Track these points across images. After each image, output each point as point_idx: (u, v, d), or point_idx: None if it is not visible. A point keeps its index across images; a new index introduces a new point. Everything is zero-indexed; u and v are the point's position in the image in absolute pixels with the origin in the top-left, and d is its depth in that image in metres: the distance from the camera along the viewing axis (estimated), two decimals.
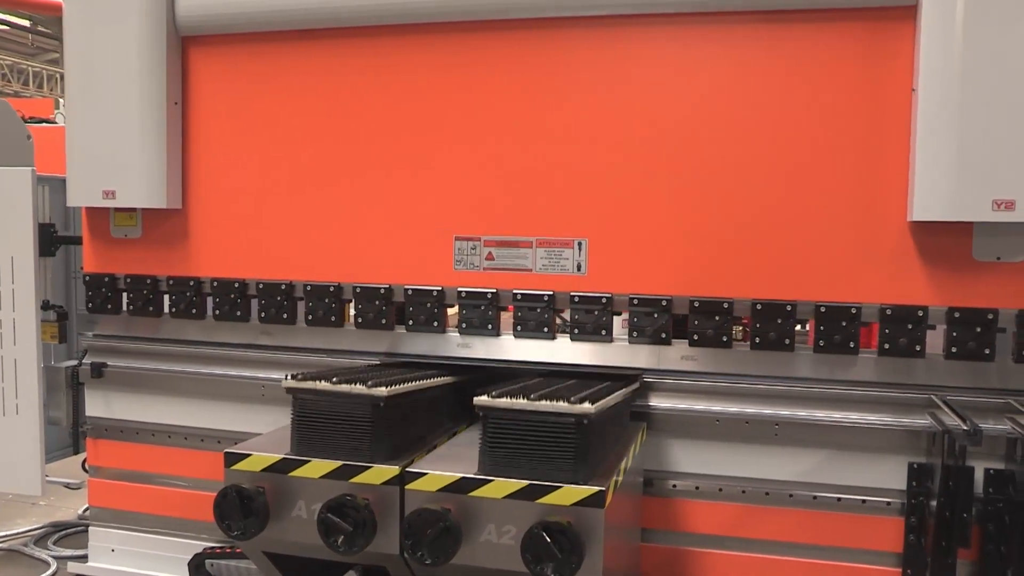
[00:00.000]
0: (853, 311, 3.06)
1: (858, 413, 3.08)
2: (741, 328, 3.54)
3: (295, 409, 2.61)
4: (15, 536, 4.49)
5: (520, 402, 2.34)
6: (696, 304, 3.20)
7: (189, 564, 3.71)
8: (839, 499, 3.11)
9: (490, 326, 3.40)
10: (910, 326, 3.01)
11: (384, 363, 3.41)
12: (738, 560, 3.20)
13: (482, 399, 2.38)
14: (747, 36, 3.15)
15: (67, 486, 5.12)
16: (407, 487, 2.41)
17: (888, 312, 3.03)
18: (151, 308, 3.86)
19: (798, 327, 3.19)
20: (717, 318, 3.18)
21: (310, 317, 3.62)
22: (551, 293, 3.33)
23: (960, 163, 2.83)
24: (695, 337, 3.20)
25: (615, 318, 3.33)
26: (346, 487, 2.45)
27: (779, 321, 3.13)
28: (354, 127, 3.57)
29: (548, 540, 2.21)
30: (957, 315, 2.98)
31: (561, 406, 2.31)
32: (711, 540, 3.23)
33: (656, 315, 3.24)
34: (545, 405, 2.33)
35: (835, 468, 3.11)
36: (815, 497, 3.13)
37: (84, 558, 4.05)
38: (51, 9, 14.81)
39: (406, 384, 2.65)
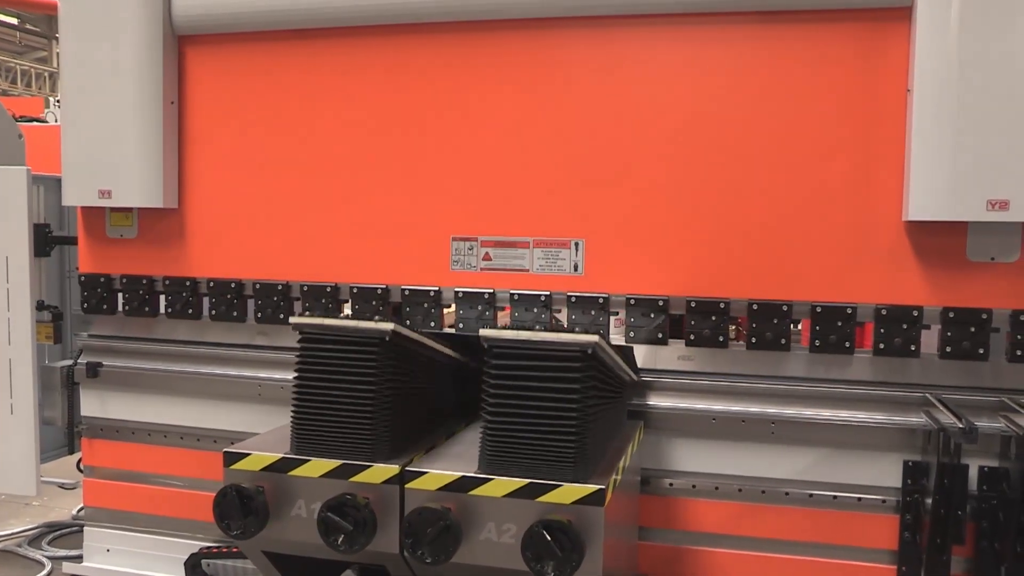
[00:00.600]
0: (849, 311, 3.08)
1: (853, 411, 3.10)
2: (734, 328, 3.56)
3: (301, 346, 2.58)
4: (9, 537, 4.47)
5: (526, 333, 2.34)
6: (692, 304, 3.21)
7: (185, 564, 3.71)
8: (835, 497, 3.13)
9: (487, 326, 3.39)
10: (905, 326, 3.04)
11: None
12: (735, 558, 3.22)
13: (488, 331, 2.38)
14: (743, 37, 3.17)
15: (61, 486, 5.11)
16: (407, 486, 2.42)
17: (883, 312, 3.05)
18: (147, 308, 3.85)
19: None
20: (713, 318, 3.20)
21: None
22: (548, 293, 3.34)
23: (955, 163, 2.85)
24: (692, 337, 3.22)
25: (611, 318, 3.35)
26: (346, 486, 2.46)
27: (775, 321, 3.14)
28: (351, 127, 3.57)
29: (549, 538, 2.22)
30: (952, 315, 3.00)
31: (566, 336, 2.32)
32: (708, 538, 3.25)
33: (653, 315, 3.25)
34: (551, 336, 2.33)
35: (831, 466, 3.13)
36: (811, 495, 3.15)
37: (79, 558, 4.04)
38: (46, 8, 14.74)
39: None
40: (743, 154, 3.18)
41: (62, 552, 4.20)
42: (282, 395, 3.62)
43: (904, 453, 3.05)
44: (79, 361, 3.95)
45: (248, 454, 2.56)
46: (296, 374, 2.60)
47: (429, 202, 3.49)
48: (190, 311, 3.79)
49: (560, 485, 2.29)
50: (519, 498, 2.31)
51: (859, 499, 3.11)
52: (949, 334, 3.01)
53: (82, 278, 3.94)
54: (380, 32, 3.52)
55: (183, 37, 3.73)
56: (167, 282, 3.81)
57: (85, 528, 4.03)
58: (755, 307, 3.16)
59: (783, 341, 3.14)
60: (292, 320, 2.60)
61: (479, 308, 3.41)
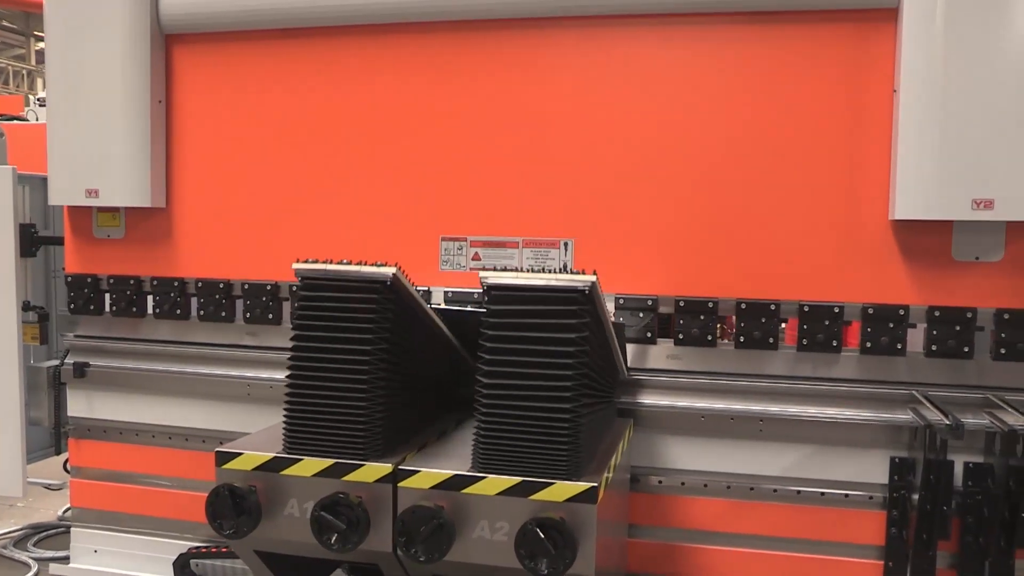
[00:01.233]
0: (836, 310, 3.11)
1: (841, 409, 3.14)
2: (719, 326, 3.58)
3: (300, 292, 2.56)
4: None
5: (524, 275, 2.34)
6: (681, 304, 3.24)
7: (174, 564, 3.70)
8: (823, 494, 3.16)
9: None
10: (891, 325, 3.07)
11: None
12: (723, 555, 3.25)
13: (487, 274, 2.37)
14: (731, 37, 3.19)
15: (47, 487, 5.07)
16: (400, 484, 2.41)
17: (870, 311, 3.08)
18: (134, 309, 3.84)
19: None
20: (702, 317, 3.22)
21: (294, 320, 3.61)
22: None
23: (941, 163, 2.89)
24: (680, 336, 3.24)
25: None
26: (339, 485, 2.45)
27: (763, 320, 3.17)
28: (339, 126, 3.57)
29: (542, 536, 2.22)
30: (937, 314, 3.04)
31: (563, 277, 2.32)
32: (697, 535, 3.27)
33: (642, 314, 3.27)
34: (548, 276, 2.33)
35: (819, 463, 3.16)
36: (799, 492, 3.18)
37: (66, 559, 4.02)
38: (27, 5, 14.60)
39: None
40: (731, 154, 3.21)
41: (48, 553, 4.18)
42: (271, 395, 3.62)
43: (891, 450, 3.09)
44: (66, 361, 3.93)
45: (240, 453, 2.56)
46: (295, 323, 2.56)
47: (418, 202, 3.49)
48: (178, 311, 3.77)
49: (553, 483, 2.30)
50: (512, 496, 2.32)
51: (846, 495, 3.14)
52: (935, 333, 3.05)
53: (69, 279, 3.92)
54: (367, 31, 3.52)
55: (170, 36, 3.72)
56: (155, 282, 3.79)
57: (72, 529, 4.01)
58: (743, 306, 3.18)
59: (771, 340, 3.17)
60: (294, 265, 2.55)
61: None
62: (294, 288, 3.61)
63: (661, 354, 3.29)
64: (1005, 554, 2.95)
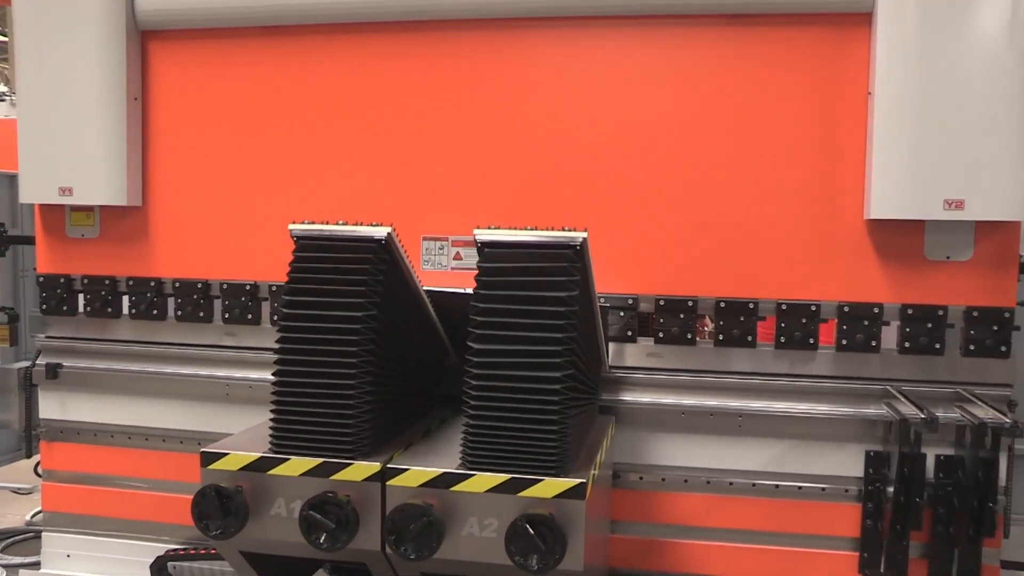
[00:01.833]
0: (813, 308, 3.17)
1: (817, 404, 3.20)
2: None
3: (295, 253, 2.56)
4: None
5: (517, 231, 2.39)
6: (661, 302, 3.28)
7: (151, 567, 3.66)
8: (800, 488, 3.22)
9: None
10: (866, 322, 3.14)
11: None
12: (704, 549, 3.30)
13: (481, 231, 2.40)
14: (709, 39, 3.24)
15: (16, 491, 4.98)
16: (388, 483, 2.42)
17: (846, 309, 3.15)
18: (109, 310, 3.78)
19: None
20: (682, 316, 3.27)
21: (275, 317, 3.60)
22: None
23: (914, 164, 2.96)
24: (660, 335, 3.28)
25: None
26: (327, 484, 2.45)
27: (742, 319, 3.22)
28: (319, 125, 3.56)
29: (532, 532, 2.25)
30: (910, 312, 3.11)
31: (555, 233, 2.36)
32: (678, 530, 3.32)
33: (622, 313, 3.30)
34: (541, 234, 2.37)
35: (796, 458, 3.22)
36: (777, 486, 3.24)
37: (37, 565, 3.96)
38: None
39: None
40: (709, 154, 3.26)
41: (18, 559, 4.11)
42: (250, 395, 3.60)
43: (866, 444, 3.16)
44: (37, 362, 3.86)
45: (226, 454, 2.54)
46: (288, 286, 2.54)
47: (399, 201, 3.49)
48: (155, 312, 3.73)
49: (542, 480, 2.32)
50: (501, 493, 2.34)
51: (823, 489, 3.21)
52: (908, 330, 3.12)
53: (41, 279, 3.85)
54: (347, 30, 3.51)
55: (147, 32, 3.67)
56: (131, 283, 3.75)
57: (44, 533, 3.94)
58: (723, 305, 3.23)
59: (749, 338, 3.23)
60: (290, 226, 2.57)
61: None
62: (273, 288, 3.59)
63: (641, 352, 3.33)
64: (973, 543, 3.03)
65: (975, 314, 3.08)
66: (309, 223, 2.55)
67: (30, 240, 3.90)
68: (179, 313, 3.71)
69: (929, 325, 3.11)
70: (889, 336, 3.19)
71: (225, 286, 3.64)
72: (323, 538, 2.40)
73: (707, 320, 3.57)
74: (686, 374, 3.29)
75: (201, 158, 3.67)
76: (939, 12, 2.91)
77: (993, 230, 3.06)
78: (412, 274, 2.72)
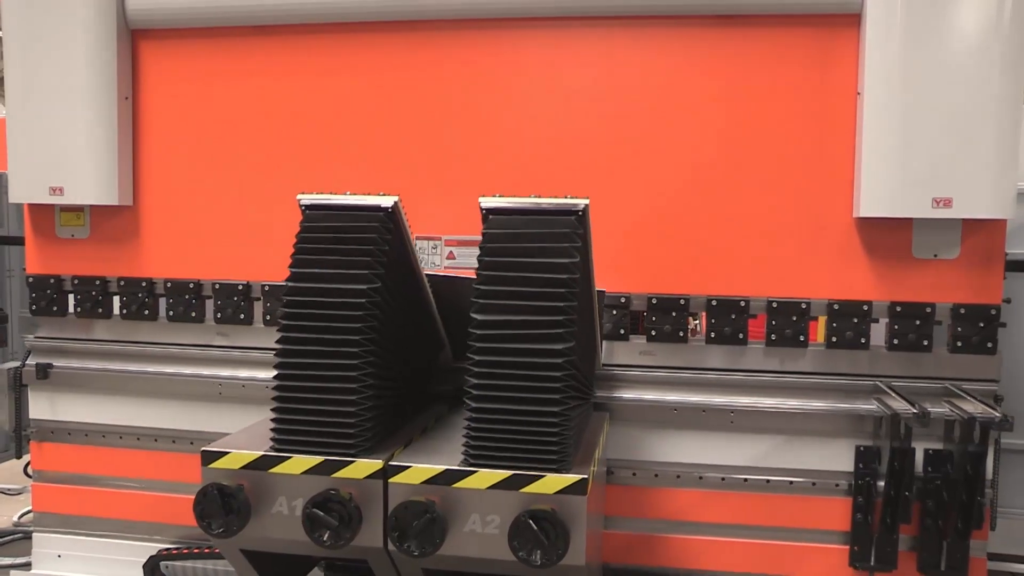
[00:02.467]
0: (803, 306, 3.22)
1: (808, 400, 3.25)
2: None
3: (303, 223, 2.58)
4: None
5: (521, 198, 2.43)
6: (654, 301, 3.31)
7: (144, 566, 3.66)
8: (791, 482, 3.27)
9: None
10: (855, 320, 3.19)
11: None
12: (696, 543, 3.34)
13: (485, 199, 2.44)
14: (699, 39, 3.28)
15: (5, 492, 4.94)
16: (391, 480, 2.43)
17: (835, 307, 3.20)
18: (100, 310, 3.77)
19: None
20: (674, 314, 3.30)
21: (268, 317, 3.60)
22: None
23: (903, 163, 3.01)
24: (652, 333, 3.32)
25: None
26: (328, 482, 2.46)
27: (733, 316, 3.27)
28: (310, 123, 3.56)
29: (535, 528, 2.27)
30: (899, 309, 3.17)
31: (558, 200, 2.42)
32: (670, 525, 3.36)
33: (615, 311, 3.33)
34: (544, 201, 2.42)
35: (787, 453, 3.27)
36: (768, 481, 3.28)
37: (27, 566, 3.93)
38: None
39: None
40: (699, 153, 3.30)
41: (7, 560, 4.08)
42: (243, 394, 3.60)
43: (856, 439, 3.21)
44: (27, 362, 3.84)
45: (227, 452, 2.54)
46: (294, 256, 2.57)
47: None
48: (146, 312, 3.72)
49: (544, 475, 2.34)
50: (503, 489, 2.36)
51: (814, 484, 3.26)
52: (896, 327, 3.18)
53: (30, 279, 3.83)
54: (336, 29, 3.52)
55: (137, 31, 3.66)
56: (122, 283, 3.73)
57: (35, 534, 3.91)
58: (714, 303, 3.27)
59: (741, 336, 3.27)
60: (299, 196, 2.61)
61: None
62: (266, 288, 3.59)
63: (634, 350, 3.36)
64: (962, 536, 3.09)
65: (962, 311, 3.14)
66: (317, 194, 2.58)
67: (19, 240, 3.88)
68: (171, 313, 3.70)
69: (917, 322, 3.16)
70: (878, 333, 3.24)
71: (217, 286, 3.64)
72: (326, 536, 2.40)
73: (689, 319, 3.60)
74: (678, 371, 3.32)
75: (191, 157, 3.67)
76: (927, 13, 2.97)
77: (980, 228, 3.12)
78: (414, 249, 2.75)
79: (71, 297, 3.82)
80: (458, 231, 3.47)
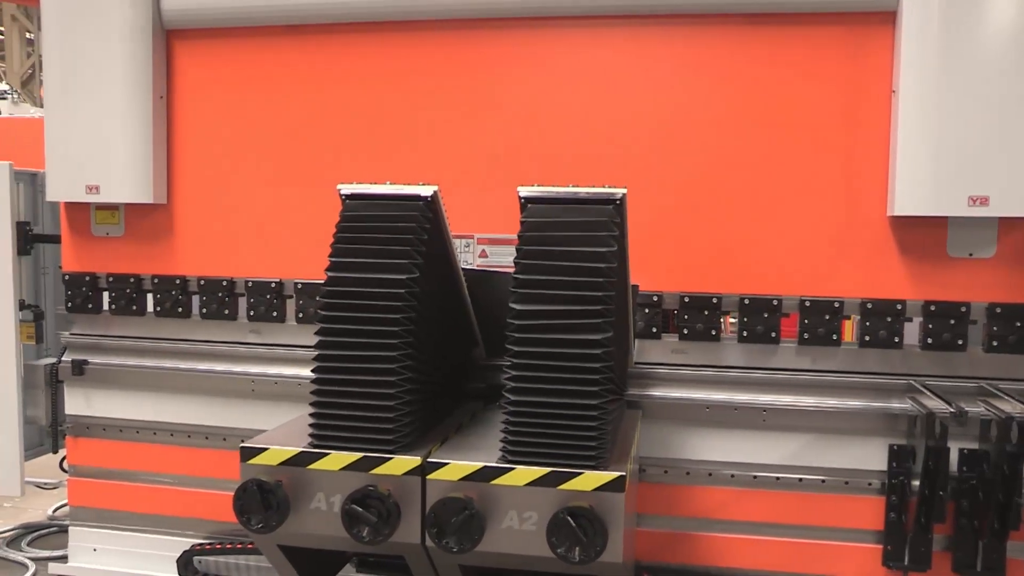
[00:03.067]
0: (836, 305, 3.21)
1: (841, 399, 3.24)
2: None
3: (343, 213, 2.61)
4: None
5: (559, 187, 2.46)
6: (686, 299, 3.31)
7: (178, 561, 3.70)
8: (823, 481, 3.26)
9: None
10: (889, 319, 3.18)
11: None
12: (728, 542, 3.34)
13: (524, 188, 2.48)
14: (734, 38, 3.28)
15: (41, 486, 5.01)
16: (429, 477, 2.45)
17: (869, 306, 3.19)
18: (134, 307, 3.81)
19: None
20: (706, 313, 3.30)
21: (300, 315, 3.63)
22: None
23: (938, 161, 3.00)
24: (685, 331, 3.32)
25: None
26: (366, 479, 2.48)
27: (765, 315, 3.26)
28: (344, 123, 3.59)
29: (573, 524, 2.28)
30: (933, 308, 3.15)
31: (596, 189, 2.45)
32: (702, 523, 3.36)
33: (647, 310, 3.34)
34: (583, 190, 2.45)
35: (819, 451, 3.26)
36: (800, 480, 3.28)
37: (63, 559, 3.98)
38: None
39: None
40: (733, 152, 3.29)
41: (45, 553, 4.13)
42: (276, 391, 3.64)
43: (889, 437, 3.20)
44: (63, 359, 3.89)
45: (266, 448, 2.57)
46: (334, 245, 2.60)
47: None
48: (179, 310, 3.76)
49: (581, 473, 2.35)
50: (541, 486, 2.37)
51: (846, 482, 3.24)
52: (930, 326, 3.16)
53: (66, 277, 3.88)
54: (370, 28, 3.55)
55: (172, 31, 3.70)
56: (156, 281, 3.77)
57: (70, 528, 3.97)
58: (746, 302, 3.27)
59: (773, 334, 3.26)
60: (339, 185, 2.65)
61: None
62: (299, 285, 3.62)
63: (666, 349, 3.37)
64: (998, 536, 3.07)
65: (998, 310, 3.12)
66: (357, 183, 2.61)
67: (55, 239, 3.93)
68: (204, 311, 3.74)
69: (952, 321, 3.14)
70: (911, 333, 3.22)
71: (250, 284, 3.67)
72: (365, 532, 2.42)
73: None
74: (711, 369, 3.32)
75: (225, 156, 3.71)
76: (964, 10, 2.95)
77: (1017, 226, 3.10)
78: (451, 239, 2.77)
79: (106, 295, 3.87)
80: (491, 230, 3.48)
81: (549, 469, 2.37)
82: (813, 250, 3.24)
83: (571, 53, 3.40)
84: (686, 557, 3.37)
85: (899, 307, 3.18)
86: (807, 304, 3.24)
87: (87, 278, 3.85)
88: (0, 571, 4.07)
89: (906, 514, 3.16)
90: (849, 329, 3.55)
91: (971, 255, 3.14)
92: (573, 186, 2.47)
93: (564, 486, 2.35)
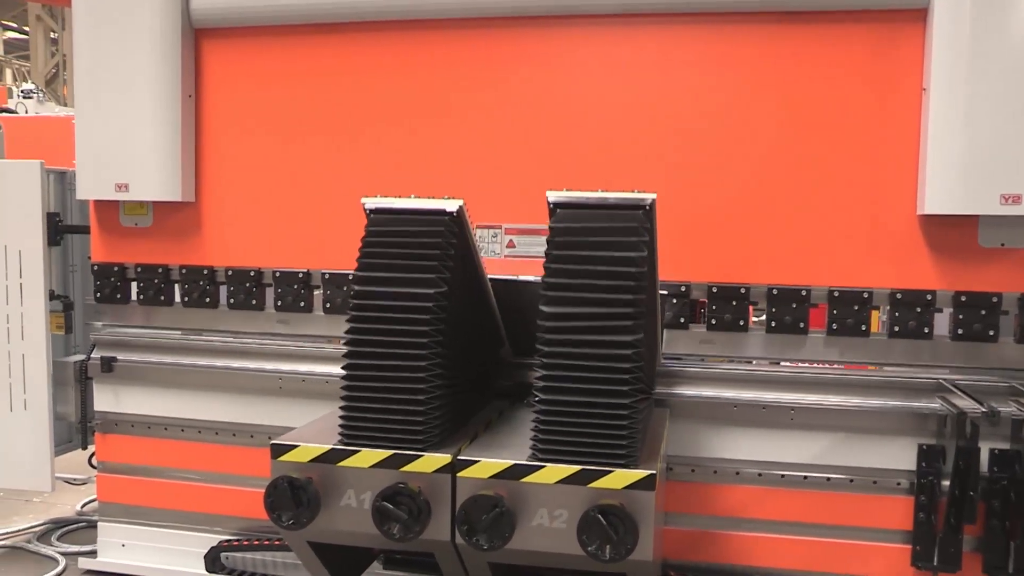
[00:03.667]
0: (865, 295, 3.19)
1: (870, 398, 3.22)
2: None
3: (368, 227, 2.61)
4: (16, 533, 4.43)
5: (588, 192, 2.45)
6: (714, 290, 3.30)
7: (205, 557, 3.73)
8: (851, 480, 3.24)
9: None
10: (919, 309, 3.16)
11: None
12: (755, 541, 3.33)
13: (553, 193, 2.45)
14: (764, 36, 3.26)
15: (70, 482, 5.06)
16: (459, 475, 2.46)
17: (898, 296, 3.17)
18: (162, 298, 3.84)
19: None
20: (734, 303, 3.29)
21: (328, 305, 3.65)
22: None
23: (969, 159, 2.97)
24: (713, 322, 3.31)
25: None
26: (397, 476, 2.49)
27: (794, 306, 3.24)
28: (371, 115, 3.59)
29: (604, 523, 2.28)
30: (963, 299, 3.13)
31: (625, 193, 2.43)
32: (729, 522, 3.35)
33: (675, 300, 3.33)
34: (611, 195, 2.43)
35: (847, 451, 3.24)
36: (828, 479, 3.26)
37: (92, 554, 4.02)
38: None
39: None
40: (763, 146, 3.28)
41: (75, 548, 4.17)
42: (303, 388, 3.65)
43: (918, 437, 3.17)
44: (92, 356, 3.93)
45: (296, 446, 2.58)
46: (360, 260, 2.61)
47: (452, 190, 3.50)
48: (207, 300, 3.78)
49: (612, 471, 2.35)
50: (571, 484, 2.37)
51: (875, 482, 3.22)
52: (961, 317, 3.13)
53: (95, 267, 3.92)
54: (397, 26, 3.55)
55: (200, 30, 3.72)
56: (183, 271, 3.80)
57: (99, 523, 4.01)
58: (775, 292, 3.25)
59: (802, 325, 3.24)
60: (364, 199, 2.65)
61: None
62: (326, 276, 3.63)
63: (694, 339, 3.35)
64: None
65: None
66: (381, 197, 2.60)
67: (84, 229, 3.96)
68: (231, 301, 3.76)
69: (983, 312, 3.11)
70: (941, 324, 3.20)
71: (278, 274, 3.69)
72: (395, 529, 2.44)
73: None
74: (738, 368, 3.31)
75: (253, 152, 3.72)
76: (995, 7, 2.92)
77: None
78: (477, 251, 2.77)
79: (134, 285, 3.90)
80: (518, 219, 3.48)
81: (579, 467, 2.37)
82: (842, 246, 3.22)
83: (601, 49, 3.39)
84: (713, 556, 3.36)
85: (929, 297, 3.15)
86: (836, 294, 3.22)
87: (115, 268, 3.88)
88: (31, 565, 4.11)
89: (935, 514, 3.14)
90: (875, 321, 3.53)
91: (1003, 245, 3.11)
92: (602, 191, 2.45)
93: (594, 484, 2.36)
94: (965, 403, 2.97)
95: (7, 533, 4.42)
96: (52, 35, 21.69)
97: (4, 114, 9.68)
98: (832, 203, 3.23)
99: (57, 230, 3.90)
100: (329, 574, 2.82)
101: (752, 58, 3.28)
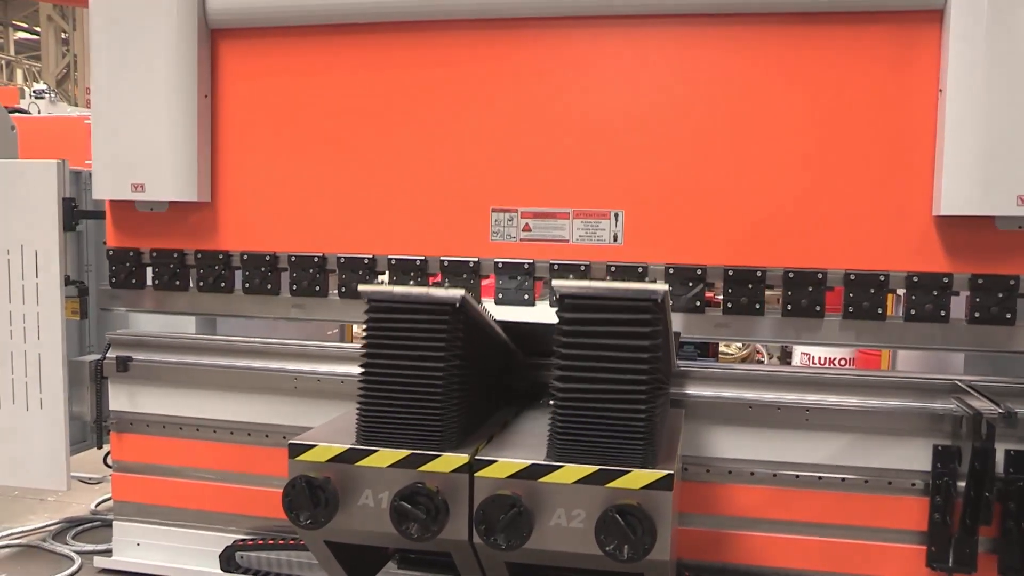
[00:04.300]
0: (882, 278, 3.19)
1: (885, 398, 3.22)
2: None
3: (369, 314, 2.59)
4: (31, 532, 4.45)
5: (598, 283, 2.42)
6: (730, 273, 3.31)
7: (220, 556, 3.75)
8: (866, 481, 3.24)
9: (526, 296, 3.47)
10: (935, 292, 3.16)
11: None
12: (770, 541, 3.33)
13: (560, 283, 2.42)
14: (777, 36, 3.26)
15: (85, 481, 5.09)
16: (476, 474, 2.47)
17: (915, 279, 3.17)
18: (177, 283, 3.85)
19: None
20: (750, 286, 3.29)
21: (343, 289, 3.66)
22: (588, 263, 3.42)
23: (986, 160, 2.98)
24: (728, 305, 3.32)
25: None
26: (414, 475, 2.50)
27: (810, 289, 3.25)
28: (389, 100, 3.60)
29: (622, 523, 2.29)
30: (980, 281, 3.13)
31: (636, 285, 2.39)
32: (744, 523, 3.35)
33: (691, 284, 3.33)
34: (622, 286, 2.39)
35: (863, 451, 3.24)
36: (843, 479, 3.26)
37: (108, 552, 4.04)
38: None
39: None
40: (779, 145, 3.29)
41: (90, 547, 4.19)
42: (318, 388, 3.67)
43: (933, 438, 3.17)
44: (107, 355, 3.95)
45: (314, 445, 2.60)
46: (364, 344, 2.60)
47: (468, 173, 3.52)
48: (222, 284, 3.79)
49: (629, 471, 2.36)
50: (589, 484, 2.38)
51: (889, 483, 3.22)
52: (978, 300, 3.13)
53: (110, 252, 3.93)
54: (416, 27, 3.56)
55: (216, 30, 3.74)
56: (199, 255, 3.81)
57: (114, 522, 4.03)
58: (791, 275, 3.26)
59: (818, 308, 3.24)
60: (361, 288, 2.59)
61: (518, 279, 3.46)
62: (342, 260, 3.65)
63: (709, 323, 3.36)
64: None
65: None
66: (380, 283, 2.60)
67: (100, 215, 3.97)
68: (246, 285, 3.77)
69: (1000, 295, 3.11)
70: (957, 308, 3.20)
71: (293, 258, 3.70)
72: (413, 528, 2.45)
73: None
74: (754, 368, 3.32)
75: (268, 147, 3.73)
76: (1012, 8, 2.92)
77: None
78: (487, 318, 2.77)
79: (149, 270, 3.92)
80: (535, 203, 3.48)
81: (597, 467, 2.38)
82: (858, 245, 3.23)
83: (622, 49, 3.40)
84: (728, 556, 3.36)
85: (946, 280, 3.15)
86: (852, 277, 3.21)
87: (131, 253, 3.90)
88: (46, 564, 4.13)
89: (951, 515, 3.14)
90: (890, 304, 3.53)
91: (1020, 228, 3.10)
92: (610, 279, 2.41)
93: (612, 484, 2.37)
94: (981, 404, 2.97)
95: (23, 532, 4.44)
96: (63, 35, 21.79)
97: (17, 114, 9.72)
98: (846, 207, 3.24)
99: (72, 215, 3.88)
100: (346, 574, 2.83)
101: (768, 57, 3.29)
